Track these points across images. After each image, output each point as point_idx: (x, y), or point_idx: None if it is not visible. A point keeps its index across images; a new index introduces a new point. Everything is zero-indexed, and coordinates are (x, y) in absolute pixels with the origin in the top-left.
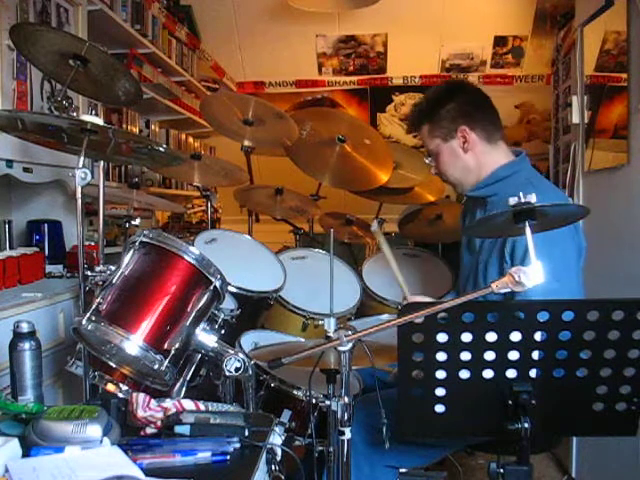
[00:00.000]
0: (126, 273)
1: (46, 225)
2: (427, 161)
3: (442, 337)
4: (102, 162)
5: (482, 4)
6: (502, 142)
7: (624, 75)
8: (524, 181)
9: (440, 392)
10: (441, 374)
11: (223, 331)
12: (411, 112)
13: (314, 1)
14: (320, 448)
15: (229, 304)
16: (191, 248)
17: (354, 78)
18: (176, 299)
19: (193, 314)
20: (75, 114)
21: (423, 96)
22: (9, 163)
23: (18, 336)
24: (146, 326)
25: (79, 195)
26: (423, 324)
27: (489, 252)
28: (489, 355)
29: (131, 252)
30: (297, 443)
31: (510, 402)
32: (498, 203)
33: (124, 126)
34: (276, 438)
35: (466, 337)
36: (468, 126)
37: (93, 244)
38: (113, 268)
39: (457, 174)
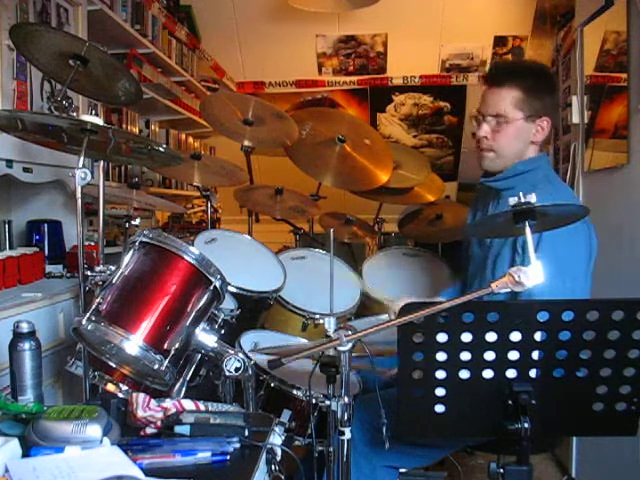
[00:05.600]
0: (126, 273)
1: (46, 225)
2: (488, 120)
3: (442, 337)
4: (102, 162)
5: (482, 4)
6: None
7: (624, 75)
8: (542, 178)
9: (440, 392)
10: (441, 374)
11: (223, 331)
12: (512, 65)
13: (314, 1)
14: (320, 448)
15: (229, 304)
16: (191, 248)
17: (354, 78)
18: (176, 299)
19: (193, 314)
20: (75, 114)
21: (531, 62)
22: (9, 163)
23: (18, 336)
24: (146, 326)
25: (79, 195)
26: (423, 324)
27: (500, 246)
28: (489, 355)
29: (131, 252)
30: (297, 443)
31: (510, 402)
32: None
33: (124, 126)
34: (276, 438)
35: (466, 337)
36: (552, 122)
37: (93, 244)
38: (113, 268)
39: (507, 153)
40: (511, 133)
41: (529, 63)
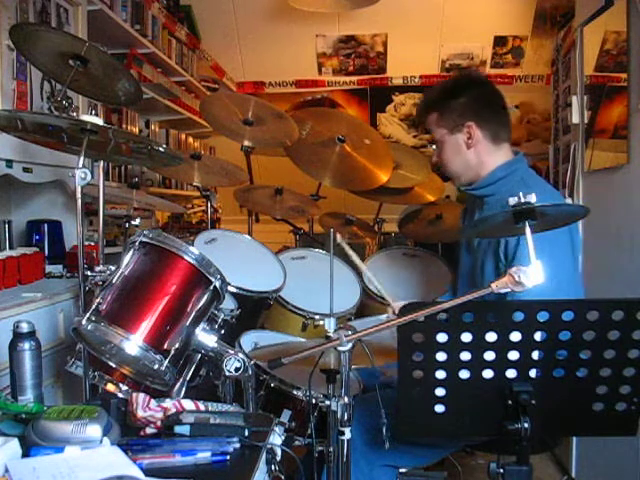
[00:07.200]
0: (126, 273)
1: (46, 225)
2: (432, 148)
3: (442, 337)
4: (102, 162)
5: (482, 4)
6: (507, 144)
7: (624, 75)
8: (519, 180)
9: (440, 392)
10: (441, 374)
11: (223, 331)
12: (421, 99)
13: (314, 1)
14: (320, 448)
15: (229, 304)
16: (191, 248)
17: (354, 78)
18: (176, 299)
19: (193, 314)
20: (75, 114)
21: (436, 84)
22: (9, 163)
23: (18, 336)
24: (146, 326)
25: (79, 195)
26: (423, 324)
27: (485, 251)
28: (489, 355)
29: (131, 252)
30: (297, 443)
31: (510, 402)
32: (495, 203)
33: (124, 126)
34: (276, 438)
35: (466, 337)
36: (476, 123)
37: (93, 244)
38: (113, 268)
39: (456, 167)
40: (446, 150)
41: (441, 82)
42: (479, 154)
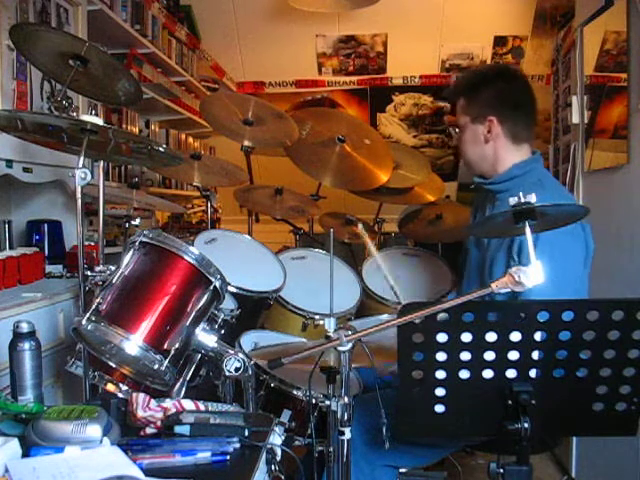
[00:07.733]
0: (126, 273)
1: (46, 225)
2: (455, 131)
3: (442, 337)
4: (102, 162)
5: (482, 4)
6: (527, 144)
7: (624, 75)
8: (535, 181)
9: (440, 392)
10: (441, 374)
11: (223, 331)
12: (454, 81)
13: (314, 1)
14: (320, 448)
15: (229, 304)
16: (191, 248)
17: (354, 78)
18: (176, 299)
19: (193, 314)
20: (75, 114)
21: (472, 68)
22: (9, 163)
23: (18, 336)
24: (146, 326)
25: (79, 195)
26: (423, 324)
27: (496, 249)
28: (489, 355)
29: (131, 252)
30: (297, 443)
31: (510, 402)
32: (507, 201)
33: (124, 126)
34: (276, 438)
35: (466, 337)
36: (497, 119)
37: (93, 244)
38: (113, 268)
39: (472, 156)
40: (466, 138)
41: (476, 68)
42: (496, 149)
